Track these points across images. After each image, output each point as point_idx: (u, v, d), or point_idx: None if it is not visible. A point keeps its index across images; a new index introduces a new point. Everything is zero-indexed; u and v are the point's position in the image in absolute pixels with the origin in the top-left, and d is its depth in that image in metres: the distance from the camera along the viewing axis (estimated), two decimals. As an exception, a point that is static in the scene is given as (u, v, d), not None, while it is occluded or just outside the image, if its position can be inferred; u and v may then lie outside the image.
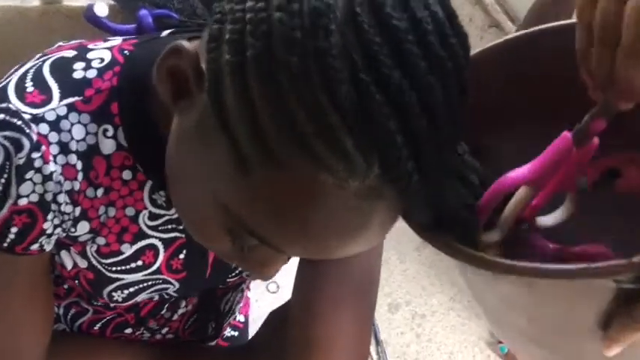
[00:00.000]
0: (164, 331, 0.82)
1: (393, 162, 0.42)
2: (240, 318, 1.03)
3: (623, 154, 0.51)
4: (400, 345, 1.34)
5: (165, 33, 0.67)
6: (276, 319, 0.84)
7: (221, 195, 0.47)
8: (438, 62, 0.43)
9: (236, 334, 0.98)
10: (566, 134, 0.46)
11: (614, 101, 0.45)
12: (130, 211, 0.63)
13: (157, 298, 0.75)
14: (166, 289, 0.72)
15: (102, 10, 0.71)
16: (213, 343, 0.90)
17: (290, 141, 0.42)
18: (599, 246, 0.50)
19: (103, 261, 0.65)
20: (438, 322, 1.70)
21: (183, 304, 0.81)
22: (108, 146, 0.59)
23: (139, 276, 0.68)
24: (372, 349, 0.91)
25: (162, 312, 0.79)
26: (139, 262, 0.67)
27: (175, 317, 0.81)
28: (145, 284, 0.70)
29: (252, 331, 1.00)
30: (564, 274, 0.41)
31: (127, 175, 0.61)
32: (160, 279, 0.70)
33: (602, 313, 0.43)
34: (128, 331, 0.80)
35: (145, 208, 0.64)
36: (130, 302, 0.71)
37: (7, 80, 0.57)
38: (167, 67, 0.49)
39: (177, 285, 0.72)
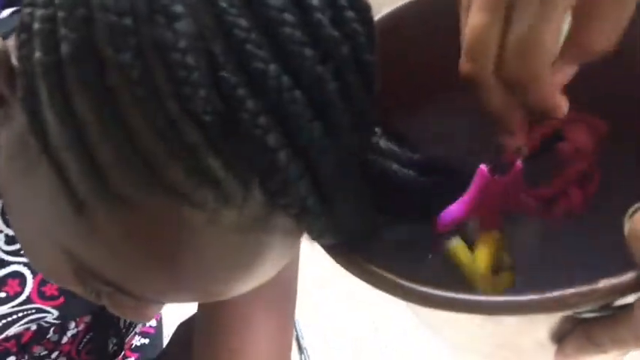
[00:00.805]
0: (54, 355, 0.72)
1: (279, 185, 0.32)
2: (152, 322, 0.92)
3: (567, 113, 0.43)
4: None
5: (5, 13, 0.54)
6: (185, 331, 0.74)
7: (56, 233, 0.36)
8: (329, 47, 0.32)
9: (147, 341, 0.87)
10: (482, 169, 0.39)
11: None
12: None
13: (34, 327, 0.64)
14: (43, 317, 0.62)
15: None
16: (119, 359, 0.80)
17: (133, 170, 0.31)
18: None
19: None
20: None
21: (73, 325, 0.70)
22: None
23: (4, 309, 0.57)
24: (295, 358, 0.83)
25: (49, 336, 0.69)
26: (2, 295, 0.56)
27: (65, 340, 0.71)
28: (15, 317, 0.59)
29: (167, 333, 0.90)
30: (513, 309, 0.33)
31: None
32: (32, 309, 0.59)
33: (556, 331, 0.36)
34: (11, 359, 0.68)
35: (0, 232, 0.52)
36: (0, 337, 0.60)
37: None
38: None
39: (55, 312, 0.61)
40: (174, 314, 0.73)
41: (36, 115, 0.33)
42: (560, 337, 0.37)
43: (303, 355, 0.84)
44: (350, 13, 0.33)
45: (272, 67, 0.31)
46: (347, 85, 0.33)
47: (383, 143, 0.42)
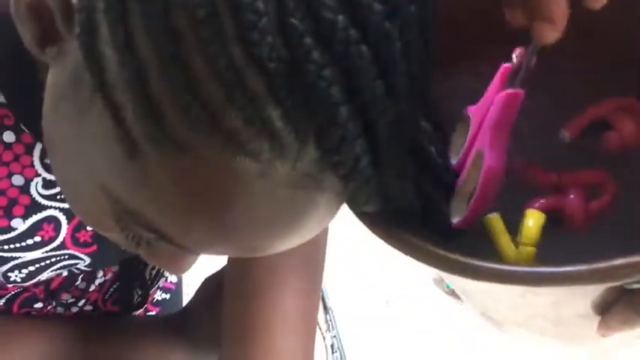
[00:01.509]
0: (81, 303, 0.72)
1: (336, 141, 0.32)
2: (173, 278, 0.93)
3: (615, 99, 0.42)
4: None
5: None
6: (211, 286, 0.74)
7: (103, 177, 0.36)
8: (398, 4, 0.32)
9: (168, 296, 0.88)
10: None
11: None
12: (17, 180, 0.52)
13: (65, 273, 0.65)
14: (75, 264, 0.62)
15: None
16: (141, 311, 0.80)
17: (191, 114, 0.31)
18: (596, 172, 0.43)
19: None
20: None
21: (101, 274, 0.70)
22: None
23: (38, 253, 0.57)
24: (321, 317, 0.84)
25: (77, 283, 0.69)
26: (37, 239, 0.56)
27: (93, 288, 0.71)
28: (48, 262, 0.59)
29: (187, 291, 0.91)
30: (568, 279, 0.32)
31: (8, 137, 0.49)
32: (65, 254, 0.60)
33: (600, 302, 0.36)
34: (38, 305, 0.69)
35: (38, 175, 0.53)
36: (32, 282, 0.61)
37: None
38: (26, 1, 0.37)
39: (87, 260, 0.62)
40: (194, 274, 0.73)
41: (94, 50, 0.32)
42: (603, 309, 0.37)
43: (328, 315, 0.84)
44: None
45: (341, 19, 0.30)
46: (410, 45, 0.33)
47: (429, 131, 0.42)
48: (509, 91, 0.39)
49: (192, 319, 0.75)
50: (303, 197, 0.34)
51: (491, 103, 0.40)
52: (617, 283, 0.33)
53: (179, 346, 0.75)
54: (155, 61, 0.31)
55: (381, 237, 0.36)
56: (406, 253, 0.35)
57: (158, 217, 0.36)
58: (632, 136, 0.41)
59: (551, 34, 0.35)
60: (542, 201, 0.42)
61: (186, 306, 0.79)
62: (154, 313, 0.85)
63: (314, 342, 0.68)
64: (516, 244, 0.39)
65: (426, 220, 0.40)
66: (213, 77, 0.30)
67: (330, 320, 0.85)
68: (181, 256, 0.42)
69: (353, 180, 0.34)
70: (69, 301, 0.71)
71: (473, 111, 0.43)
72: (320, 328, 0.83)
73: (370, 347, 1.47)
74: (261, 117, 0.31)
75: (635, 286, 0.34)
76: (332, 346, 0.83)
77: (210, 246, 0.37)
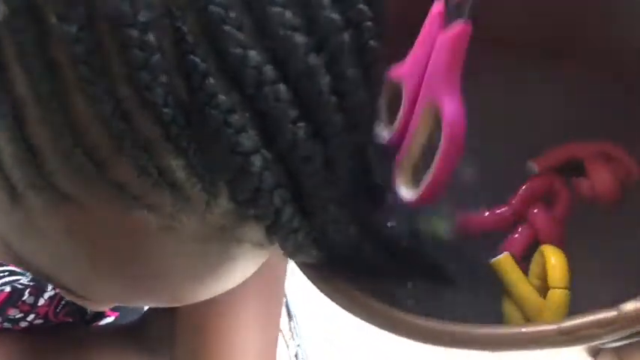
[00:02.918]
0: (30, 317, 0.69)
1: (249, 193, 0.28)
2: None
3: (596, 144, 0.38)
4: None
5: None
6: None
7: None
8: (326, 33, 0.27)
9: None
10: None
11: None
12: None
13: (8, 289, 0.61)
14: (17, 280, 0.58)
15: None
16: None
17: (74, 163, 0.27)
18: (540, 180, 0.39)
19: None
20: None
21: (50, 287, 0.66)
22: None
23: None
24: (285, 325, 0.81)
25: (24, 298, 0.66)
26: None
27: (42, 302, 0.68)
28: None
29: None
30: (520, 343, 0.29)
31: None
32: (5, 271, 0.56)
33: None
34: (-17, 322, 0.66)
35: None
36: None
37: None
38: None
39: (29, 275, 0.58)
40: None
41: None
42: (595, 352, 0.34)
43: (292, 322, 0.82)
44: None
45: (252, 54, 0.26)
46: (343, 79, 0.28)
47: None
48: (457, 26, 0.34)
49: (149, 326, 0.73)
50: (218, 251, 0.31)
51: (431, 48, 0.35)
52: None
53: (138, 355, 0.72)
54: (33, 100, 0.26)
55: (321, 290, 0.33)
56: (347, 310, 0.32)
57: (52, 270, 0.32)
58: (605, 188, 0.38)
59: None
60: (515, 237, 0.38)
61: (145, 312, 0.75)
62: (112, 318, 0.82)
63: (276, 350, 0.65)
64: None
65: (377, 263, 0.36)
66: (98, 122, 0.26)
67: (294, 328, 0.83)
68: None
69: (275, 232, 0.30)
70: (17, 317, 0.68)
71: (402, 72, 0.37)
72: (284, 337, 0.80)
73: (335, 356, 1.45)
74: (158, 168, 0.26)
75: (609, 345, 0.30)
76: (296, 355, 0.81)
77: (115, 299, 0.34)
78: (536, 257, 0.36)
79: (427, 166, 0.35)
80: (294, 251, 0.31)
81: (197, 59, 0.25)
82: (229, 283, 0.34)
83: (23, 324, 0.69)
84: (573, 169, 0.39)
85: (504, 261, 0.36)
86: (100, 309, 0.39)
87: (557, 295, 0.34)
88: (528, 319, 0.35)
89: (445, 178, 0.34)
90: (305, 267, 0.34)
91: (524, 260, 0.38)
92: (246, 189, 0.28)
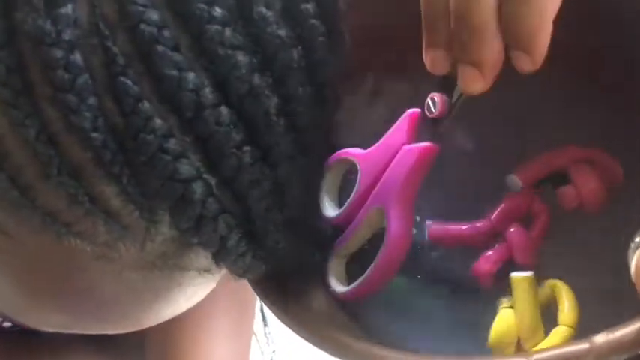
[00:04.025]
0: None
1: (192, 221, 0.26)
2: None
3: (578, 150, 0.36)
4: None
5: None
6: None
7: None
8: (271, 51, 0.26)
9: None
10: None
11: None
12: None
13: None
14: None
15: None
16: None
17: (0, 188, 0.25)
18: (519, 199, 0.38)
19: None
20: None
21: None
22: None
23: None
24: (260, 330, 0.80)
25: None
26: None
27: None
28: None
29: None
30: None
31: None
32: None
33: None
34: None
35: None
36: None
37: None
38: None
39: None
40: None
41: None
42: None
43: (267, 328, 0.80)
44: (308, 6, 0.27)
45: (190, 76, 0.24)
46: (292, 99, 0.27)
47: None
48: (425, 145, 0.33)
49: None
50: (161, 277, 0.29)
51: (394, 154, 0.34)
52: None
53: (109, 357, 0.71)
54: None
55: (272, 310, 0.31)
56: (293, 330, 0.30)
57: None
58: (592, 196, 0.36)
59: (478, 82, 0.28)
60: (488, 255, 0.37)
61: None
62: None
63: (248, 357, 0.64)
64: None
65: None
66: (21, 147, 0.24)
67: (269, 333, 0.81)
68: None
69: (222, 258, 0.28)
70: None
71: (362, 157, 0.36)
72: (259, 342, 0.79)
73: None
74: (89, 195, 0.25)
75: None
76: (270, 362, 0.80)
77: (65, 328, 0.32)
78: (543, 288, 0.35)
79: (361, 264, 0.34)
80: (242, 273, 0.30)
81: (129, 81, 0.23)
82: (180, 307, 0.32)
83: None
84: (555, 178, 0.37)
85: (527, 278, 0.35)
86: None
87: (565, 332, 0.33)
88: (520, 338, 0.34)
89: (376, 289, 0.34)
90: (253, 283, 0.32)
91: (496, 278, 0.37)
92: (187, 217, 0.26)
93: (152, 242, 0.27)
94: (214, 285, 0.33)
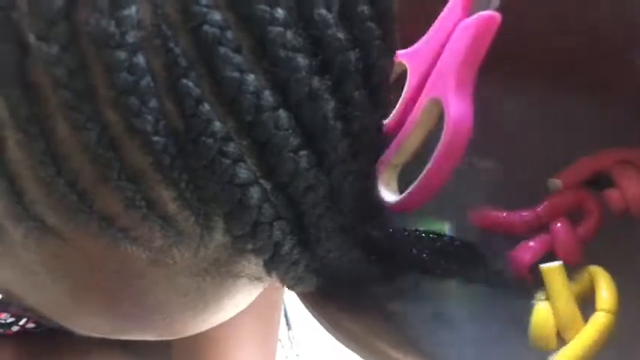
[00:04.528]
0: (22, 322, 0.67)
1: (247, 227, 0.26)
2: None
3: (618, 151, 0.36)
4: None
5: None
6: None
7: None
8: (331, 54, 0.25)
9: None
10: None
11: None
12: None
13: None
14: None
15: None
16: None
17: (56, 193, 0.24)
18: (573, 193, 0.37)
19: None
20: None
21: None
22: None
23: None
24: (284, 334, 0.80)
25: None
26: None
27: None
28: None
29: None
30: None
31: None
32: None
33: None
34: (-28, 327, 0.64)
35: None
36: None
37: None
38: None
39: None
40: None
41: None
42: None
43: (291, 332, 0.80)
44: (364, 8, 0.26)
45: (250, 78, 0.24)
46: (349, 103, 0.26)
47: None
48: (484, 14, 0.30)
49: None
50: (212, 285, 0.28)
51: (447, 38, 0.31)
52: None
53: (132, 357, 0.71)
54: (12, 123, 0.24)
55: (317, 320, 0.31)
56: (342, 343, 0.30)
57: (36, 303, 0.29)
58: (637, 197, 0.35)
59: None
60: (529, 245, 0.36)
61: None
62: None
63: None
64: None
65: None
66: (81, 150, 0.24)
67: (293, 337, 0.81)
68: None
69: (275, 267, 0.28)
70: (8, 321, 0.66)
71: (409, 55, 0.33)
72: (283, 346, 0.79)
73: None
74: (147, 199, 0.24)
75: None
76: (295, 365, 0.80)
77: (105, 334, 0.31)
78: (581, 276, 0.35)
79: (416, 172, 0.31)
80: (294, 284, 0.30)
81: (190, 83, 0.23)
82: (226, 315, 0.32)
83: (15, 328, 0.67)
84: (598, 182, 0.37)
85: (557, 268, 0.35)
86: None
87: (605, 318, 0.33)
88: (559, 330, 0.34)
89: (436, 184, 0.31)
90: (302, 295, 0.32)
91: (531, 270, 0.37)
92: (243, 223, 0.25)
93: (206, 249, 0.26)
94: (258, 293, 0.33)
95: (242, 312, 0.59)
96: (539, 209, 0.37)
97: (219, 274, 0.28)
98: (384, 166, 0.33)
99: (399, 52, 0.33)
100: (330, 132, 0.26)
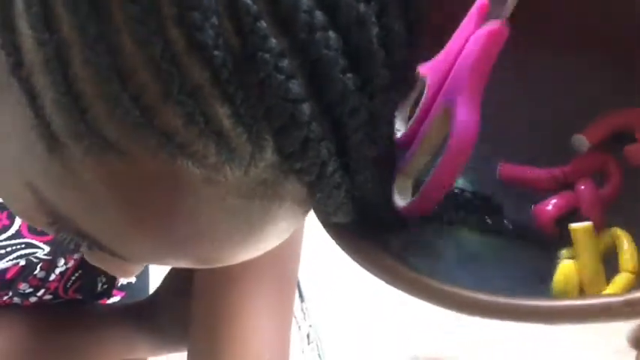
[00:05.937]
0: (40, 292, 0.68)
1: (297, 145, 0.27)
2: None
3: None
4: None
5: None
6: (181, 272, 0.70)
7: (27, 173, 0.30)
8: None
9: (133, 280, 0.83)
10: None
11: None
12: None
13: (23, 263, 0.60)
14: (33, 253, 0.57)
15: None
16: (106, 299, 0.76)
17: (119, 108, 0.26)
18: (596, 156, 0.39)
19: None
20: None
21: (62, 262, 0.66)
22: None
23: None
24: (297, 306, 0.81)
25: (36, 272, 0.65)
26: None
27: (53, 277, 0.67)
28: (3, 251, 0.55)
29: (153, 274, 0.87)
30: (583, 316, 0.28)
31: None
32: (22, 243, 0.55)
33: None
34: (-7, 295, 0.65)
35: None
36: None
37: None
38: None
39: (46, 248, 0.57)
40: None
41: (8, 25, 0.27)
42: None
43: (304, 304, 0.81)
44: None
45: None
46: (390, 32, 0.28)
47: None
48: (493, 25, 0.32)
49: (160, 306, 0.71)
50: (259, 207, 0.30)
51: (461, 47, 0.33)
52: None
53: (146, 334, 0.71)
54: (78, 41, 0.25)
55: (348, 253, 0.32)
56: (379, 277, 0.31)
57: (89, 225, 0.30)
58: None
59: None
60: (554, 201, 0.38)
61: (154, 292, 0.74)
62: (118, 297, 0.81)
63: (290, 333, 0.65)
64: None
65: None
66: (145, 65, 0.25)
67: (306, 309, 0.82)
68: (119, 265, 0.37)
69: (319, 188, 0.29)
70: (27, 291, 0.66)
71: (429, 68, 0.35)
72: (296, 318, 0.80)
73: (348, 338, 1.43)
74: (204, 115, 0.26)
75: None
76: (308, 336, 0.80)
77: (152, 257, 0.32)
78: (604, 237, 0.36)
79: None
80: (334, 210, 0.31)
81: (249, 1, 0.25)
82: (269, 243, 0.33)
83: (32, 299, 0.68)
84: (621, 139, 0.38)
85: (587, 228, 0.36)
86: (127, 275, 0.38)
87: (627, 278, 0.34)
88: (582, 289, 0.35)
89: (441, 188, 0.33)
90: (331, 226, 0.32)
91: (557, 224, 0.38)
92: (294, 139, 0.27)
93: (255, 168, 0.28)
94: (302, 224, 0.34)
95: (259, 280, 0.60)
96: (566, 168, 0.39)
97: (266, 196, 0.29)
98: (398, 175, 0.35)
99: (422, 66, 0.35)
100: (374, 57, 0.27)
